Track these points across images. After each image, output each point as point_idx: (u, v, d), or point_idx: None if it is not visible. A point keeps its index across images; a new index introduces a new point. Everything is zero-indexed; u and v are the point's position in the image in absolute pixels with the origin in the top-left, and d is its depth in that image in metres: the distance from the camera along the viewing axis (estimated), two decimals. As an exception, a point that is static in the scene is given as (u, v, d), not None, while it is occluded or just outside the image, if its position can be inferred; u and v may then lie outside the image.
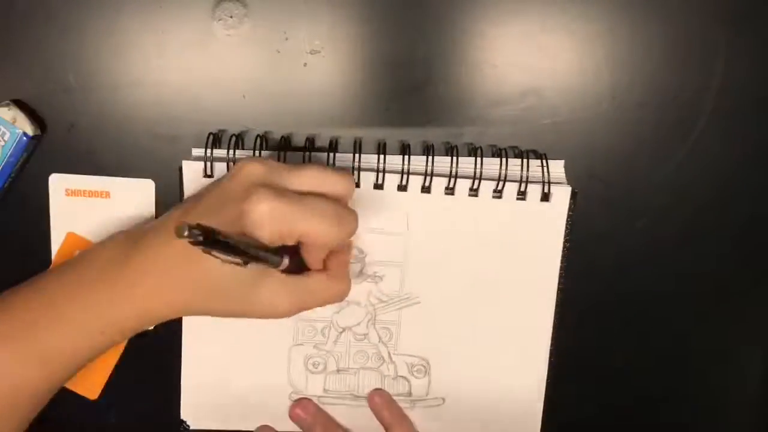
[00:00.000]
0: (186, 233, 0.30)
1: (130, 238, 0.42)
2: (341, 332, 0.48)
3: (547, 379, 0.49)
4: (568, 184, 0.46)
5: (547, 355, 0.48)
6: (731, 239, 0.48)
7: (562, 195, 0.46)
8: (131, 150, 0.46)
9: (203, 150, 0.45)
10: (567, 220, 0.46)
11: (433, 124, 0.46)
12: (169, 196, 0.46)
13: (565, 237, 0.46)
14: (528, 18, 0.45)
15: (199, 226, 0.30)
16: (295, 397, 0.49)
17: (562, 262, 0.47)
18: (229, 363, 0.48)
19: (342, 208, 0.40)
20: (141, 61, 0.45)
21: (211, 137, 0.45)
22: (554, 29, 0.45)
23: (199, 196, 0.42)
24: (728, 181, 0.47)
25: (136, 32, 0.45)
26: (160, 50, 0.45)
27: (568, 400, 0.49)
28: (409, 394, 0.49)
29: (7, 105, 0.44)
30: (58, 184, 0.46)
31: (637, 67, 0.46)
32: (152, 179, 0.47)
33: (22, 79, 0.45)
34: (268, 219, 0.37)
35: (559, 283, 0.47)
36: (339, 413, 0.49)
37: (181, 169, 0.46)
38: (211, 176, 0.45)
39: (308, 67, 0.46)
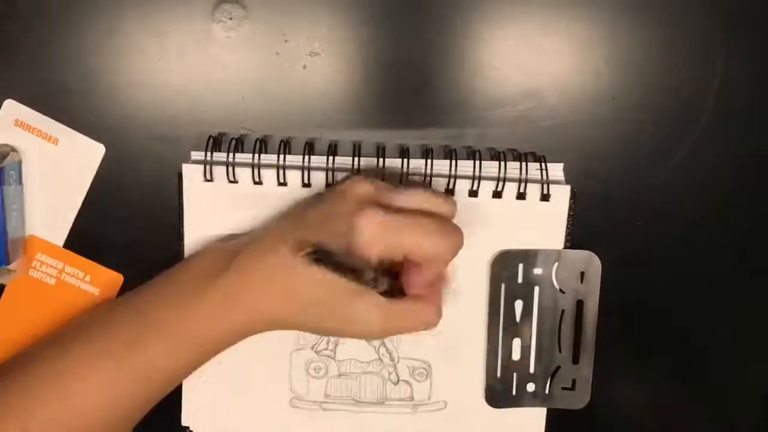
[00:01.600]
0: (307, 250, 0.33)
1: (226, 251, 0.42)
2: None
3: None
4: (566, 184, 0.46)
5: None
6: (731, 239, 0.48)
7: (561, 194, 0.46)
8: (131, 151, 0.46)
9: (202, 153, 0.45)
10: (567, 220, 0.46)
11: (432, 126, 0.46)
12: (168, 197, 0.46)
13: (566, 237, 0.46)
14: (527, 20, 0.45)
15: (319, 250, 0.33)
16: (297, 402, 0.49)
17: (563, 262, 0.47)
18: (230, 368, 0.48)
19: (447, 223, 0.41)
20: (140, 62, 0.45)
21: (211, 140, 0.45)
22: (554, 31, 0.45)
23: (302, 209, 0.43)
24: (728, 181, 0.47)
25: (135, 34, 0.45)
26: (160, 52, 0.45)
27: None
28: (411, 398, 0.49)
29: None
30: (11, 110, 0.46)
31: (637, 68, 0.46)
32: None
33: (22, 80, 0.45)
34: (377, 233, 0.38)
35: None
36: (341, 419, 0.49)
37: (180, 173, 0.45)
38: (210, 180, 0.45)
39: (307, 69, 0.46)
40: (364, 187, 0.41)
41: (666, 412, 0.51)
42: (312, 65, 0.46)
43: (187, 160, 0.46)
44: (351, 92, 0.46)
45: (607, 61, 0.46)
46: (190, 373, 0.43)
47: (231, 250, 0.42)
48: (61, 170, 0.46)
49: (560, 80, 0.46)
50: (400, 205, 0.40)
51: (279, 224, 0.43)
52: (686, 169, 0.47)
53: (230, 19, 0.45)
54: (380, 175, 0.45)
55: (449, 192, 0.46)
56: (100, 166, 0.46)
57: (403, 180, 0.45)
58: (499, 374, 0.48)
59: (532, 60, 0.46)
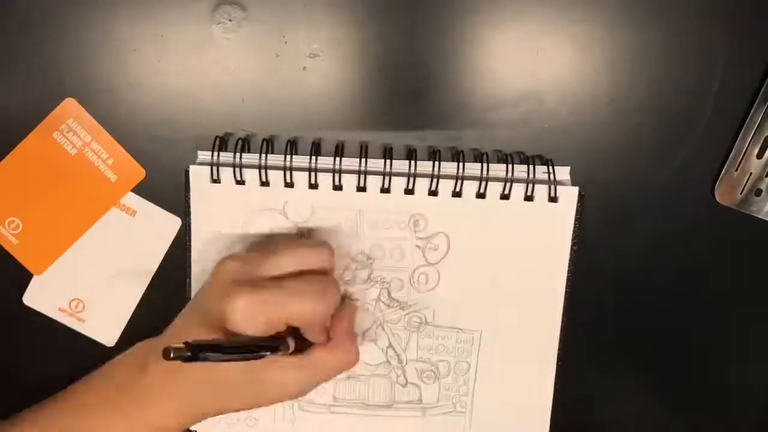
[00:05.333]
0: (172, 356, 0.31)
1: (145, 349, 0.43)
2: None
3: (555, 380, 0.49)
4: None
5: (555, 356, 0.48)
6: (731, 240, 0.48)
7: (569, 196, 0.46)
8: (130, 153, 0.46)
9: (208, 153, 0.45)
10: (575, 222, 0.46)
11: (432, 127, 0.46)
12: (168, 199, 0.46)
13: (573, 238, 0.46)
14: (527, 21, 0.45)
15: (186, 345, 0.32)
16: (305, 405, 0.49)
17: (570, 264, 0.47)
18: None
19: (320, 281, 0.40)
20: (140, 64, 0.45)
21: (218, 140, 0.45)
22: (553, 33, 0.45)
23: (190, 304, 0.43)
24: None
25: (134, 35, 0.45)
26: (159, 53, 0.45)
27: (573, 400, 0.49)
28: (420, 401, 0.49)
29: None
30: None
31: (636, 70, 0.46)
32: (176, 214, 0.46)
33: (21, 82, 0.45)
34: (249, 314, 0.37)
35: (567, 284, 0.47)
36: (349, 422, 0.48)
37: (187, 173, 0.45)
38: (218, 181, 0.45)
39: (307, 71, 0.46)
40: (229, 265, 0.40)
41: (668, 411, 0.51)
42: (311, 67, 0.45)
43: (187, 161, 0.46)
44: (350, 94, 0.46)
45: (606, 63, 0.46)
46: None
47: (150, 349, 0.42)
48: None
49: (560, 82, 0.46)
50: (272, 275, 0.40)
51: (180, 318, 0.43)
52: (686, 171, 0.47)
53: (230, 20, 0.45)
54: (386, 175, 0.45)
55: (456, 194, 0.46)
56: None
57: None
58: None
59: (532, 61, 0.46)
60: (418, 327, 0.48)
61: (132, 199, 0.47)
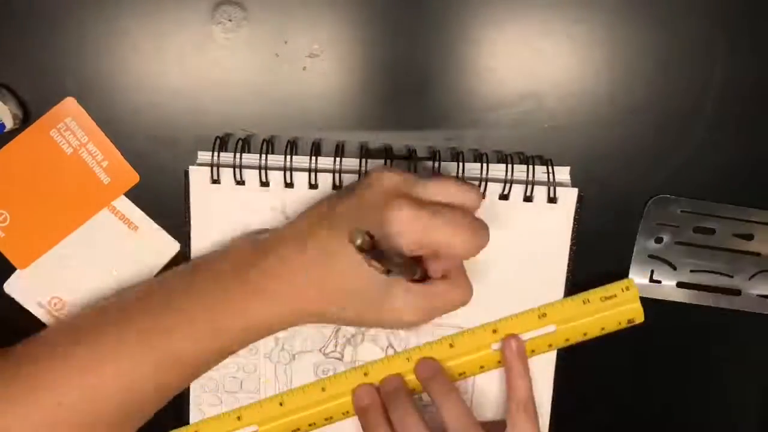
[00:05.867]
0: (359, 241, 0.30)
1: (256, 243, 0.42)
2: (350, 338, 0.48)
3: (554, 380, 0.49)
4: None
5: (555, 356, 0.48)
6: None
7: (569, 197, 0.46)
8: (129, 153, 0.46)
9: (208, 153, 0.45)
10: (574, 223, 0.46)
11: (431, 127, 0.46)
12: (167, 199, 0.46)
13: (572, 239, 0.46)
14: (527, 22, 0.45)
15: (368, 234, 0.31)
16: None
17: (569, 265, 0.47)
18: (237, 371, 0.48)
19: (476, 220, 0.40)
20: (140, 64, 0.45)
21: (218, 141, 0.45)
22: (553, 33, 0.45)
23: (330, 203, 0.42)
24: (728, 183, 0.47)
25: (134, 35, 0.45)
26: (159, 53, 0.45)
27: (573, 401, 0.49)
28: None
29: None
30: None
31: (636, 70, 0.46)
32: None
33: (21, 82, 0.45)
34: (408, 227, 0.37)
35: (566, 284, 0.47)
36: (349, 423, 0.48)
37: (187, 174, 0.45)
38: (218, 182, 0.45)
39: (307, 71, 0.46)
40: (392, 178, 0.40)
41: (669, 412, 0.51)
42: (312, 67, 0.45)
43: (187, 161, 0.46)
44: (350, 94, 0.46)
45: (606, 63, 0.46)
46: (217, 363, 0.43)
47: (262, 241, 0.42)
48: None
49: (560, 82, 0.46)
50: (428, 198, 0.40)
51: (309, 217, 0.42)
52: (686, 172, 0.47)
53: (230, 20, 0.45)
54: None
55: None
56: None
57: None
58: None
59: (532, 62, 0.46)
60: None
61: (135, 214, 0.47)
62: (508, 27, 0.45)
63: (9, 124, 0.44)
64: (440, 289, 0.41)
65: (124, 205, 0.47)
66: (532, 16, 0.45)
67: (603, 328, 0.46)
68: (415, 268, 0.40)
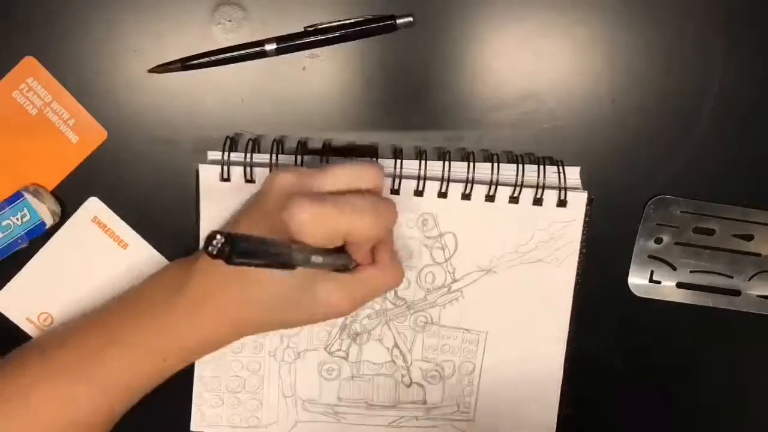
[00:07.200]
0: (210, 248, 0.30)
1: (183, 266, 0.43)
2: (355, 337, 0.48)
3: (562, 384, 0.49)
4: (584, 189, 0.46)
5: (563, 358, 0.48)
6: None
7: (578, 201, 0.46)
8: (130, 153, 0.46)
9: (218, 153, 0.45)
10: (584, 226, 0.46)
11: (432, 128, 0.46)
12: (167, 199, 0.46)
13: (581, 242, 0.46)
14: (527, 22, 0.45)
15: (221, 233, 0.30)
16: (308, 406, 0.49)
17: (578, 268, 0.47)
18: (239, 371, 0.48)
19: (378, 199, 0.40)
20: (139, 64, 0.45)
21: (228, 141, 0.45)
22: (554, 33, 0.45)
23: (236, 218, 0.43)
24: (728, 183, 0.48)
25: (134, 36, 0.45)
26: (159, 54, 0.45)
27: (573, 401, 0.49)
28: (424, 401, 0.49)
29: (35, 189, 0.45)
30: (91, 208, 0.47)
31: (637, 71, 0.46)
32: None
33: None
34: (309, 225, 0.37)
35: (575, 288, 0.47)
36: (352, 422, 0.48)
37: (198, 172, 0.45)
38: (227, 180, 0.45)
39: (307, 72, 0.45)
40: (287, 179, 0.40)
41: (669, 412, 0.51)
42: (311, 67, 0.45)
43: (187, 160, 0.46)
44: (350, 94, 0.46)
45: (607, 63, 0.46)
46: (155, 385, 0.43)
47: (188, 264, 0.42)
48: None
49: (560, 83, 0.46)
50: (327, 189, 0.39)
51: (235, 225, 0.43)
52: (686, 172, 0.47)
53: (229, 21, 0.45)
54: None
55: (465, 197, 0.45)
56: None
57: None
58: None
59: (532, 62, 0.46)
60: (423, 326, 0.48)
61: (125, 232, 0.47)
62: (509, 27, 0.45)
63: (49, 221, 0.46)
64: (369, 274, 0.41)
65: (114, 221, 0.47)
66: (532, 17, 0.45)
67: None
68: (343, 258, 0.39)
